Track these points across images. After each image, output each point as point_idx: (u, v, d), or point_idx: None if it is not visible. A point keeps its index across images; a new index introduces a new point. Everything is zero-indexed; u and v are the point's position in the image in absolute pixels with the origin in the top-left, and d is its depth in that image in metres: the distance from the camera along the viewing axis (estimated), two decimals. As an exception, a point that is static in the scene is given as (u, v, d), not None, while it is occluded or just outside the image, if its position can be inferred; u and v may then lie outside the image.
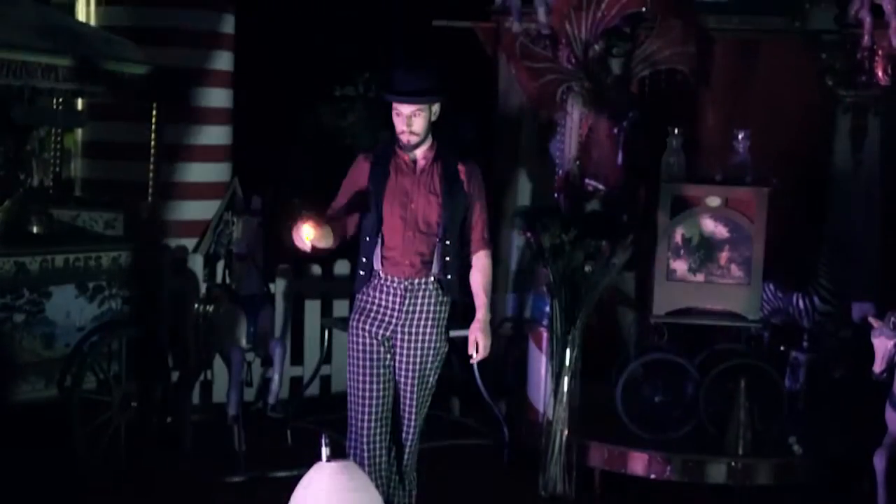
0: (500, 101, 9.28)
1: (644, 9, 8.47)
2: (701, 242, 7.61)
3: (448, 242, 5.85)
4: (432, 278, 5.85)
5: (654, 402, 7.61)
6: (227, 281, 7.53)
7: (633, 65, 8.42)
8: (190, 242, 8.41)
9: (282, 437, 7.96)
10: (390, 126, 7.90)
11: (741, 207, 7.55)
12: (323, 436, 5.37)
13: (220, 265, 8.04)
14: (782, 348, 8.26)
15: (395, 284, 5.82)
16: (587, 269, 7.15)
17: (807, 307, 8.12)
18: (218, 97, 9.06)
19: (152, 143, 7.81)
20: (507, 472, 7.77)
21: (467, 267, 5.99)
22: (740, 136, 7.72)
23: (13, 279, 6.84)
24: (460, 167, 5.90)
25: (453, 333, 6.16)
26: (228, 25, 9.29)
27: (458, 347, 8.17)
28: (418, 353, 5.88)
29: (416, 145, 5.82)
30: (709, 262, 7.60)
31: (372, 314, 5.86)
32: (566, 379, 7.24)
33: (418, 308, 5.85)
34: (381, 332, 5.84)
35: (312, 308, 8.91)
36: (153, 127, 7.82)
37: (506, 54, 8.55)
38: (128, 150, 8.33)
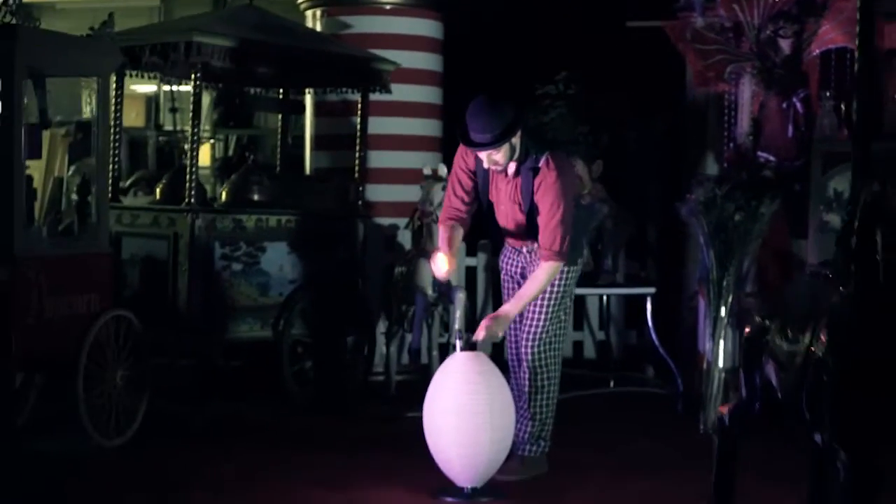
0: (688, 92, 9.97)
1: (816, -5, 9.06)
2: (852, 195, 8.06)
3: None
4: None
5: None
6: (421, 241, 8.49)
7: (803, 45, 8.99)
8: (401, 221, 9.41)
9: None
10: (588, 121, 8.71)
11: (890, 161, 7.98)
12: (458, 331, 6.28)
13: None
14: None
15: (517, 247, 6.59)
16: (737, 218, 7.77)
17: None
18: (428, 94, 10.12)
19: (358, 132, 8.98)
20: (677, 417, 8.37)
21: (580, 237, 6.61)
22: (895, 97, 8.18)
23: (231, 233, 8.00)
24: (537, 179, 6.24)
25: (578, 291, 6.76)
26: (437, 31, 10.35)
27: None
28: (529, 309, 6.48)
29: (504, 168, 6.30)
30: (860, 214, 8.03)
31: (508, 254, 6.67)
32: (723, 321, 7.84)
33: (535, 259, 6.43)
34: (513, 268, 6.62)
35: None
36: (359, 117, 8.99)
37: (676, 38, 9.22)
38: (348, 141, 9.39)
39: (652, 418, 8.32)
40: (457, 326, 8.30)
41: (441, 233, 6.54)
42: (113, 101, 8.16)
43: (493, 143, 6.12)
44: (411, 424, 6.68)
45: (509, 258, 6.69)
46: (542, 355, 6.50)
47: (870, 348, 3.88)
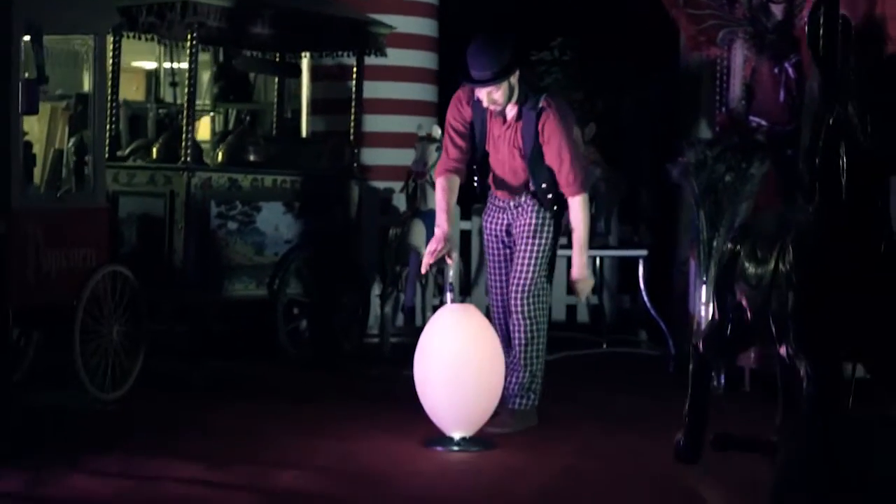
0: (682, 58, 10.04)
1: (809, -39, 9.13)
2: (841, 156, 8.13)
3: (544, 186, 6.54)
4: (532, 197, 6.58)
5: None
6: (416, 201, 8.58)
7: (795, 10, 9.06)
8: (397, 185, 9.49)
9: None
10: (583, 88, 8.77)
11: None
12: (450, 284, 6.37)
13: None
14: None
15: (503, 202, 6.69)
16: (727, 179, 7.86)
17: None
18: (423, 59, 10.22)
19: (353, 95, 9.07)
20: (669, 377, 8.46)
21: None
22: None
23: (227, 192, 8.10)
24: (540, 119, 6.43)
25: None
26: (432, -4, 10.46)
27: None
28: (523, 241, 6.60)
29: (503, 109, 6.47)
30: (849, 174, 8.11)
31: (492, 213, 6.77)
32: (712, 280, 7.93)
33: (522, 207, 6.62)
34: (498, 227, 6.72)
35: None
36: (355, 80, 9.07)
37: (669, 4, 9.27)
38: (345, 105, 9.44)
39: (643, 378, 8.43)
40: (450, 280, 8.39)
41: (439, 185, 6.62)
42: (111, 71, 8.23)
43: (494, 80, 6.28)
44: (404, 382, 6.76)
45: (493, 217, 6.77)
46: (533, 306, 6.59)
47: (832, 262, 3.97)
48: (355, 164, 8.97)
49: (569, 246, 7.28)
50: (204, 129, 11.04)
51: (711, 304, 4.88)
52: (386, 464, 5.89)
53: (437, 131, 8.35)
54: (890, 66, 4.00)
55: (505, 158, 6.56)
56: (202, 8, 7.78)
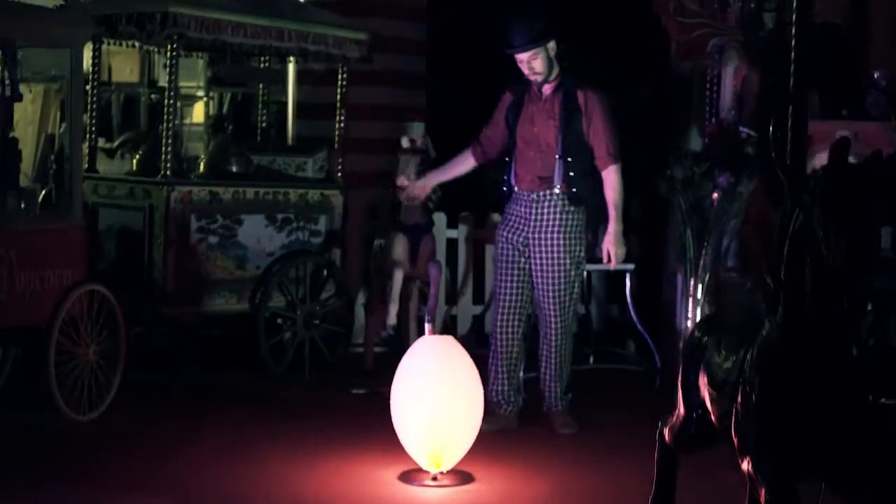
0: (673, 62, 9.89)
1: (800, -33, 8.96)
2: (833, 174, 8.00)
3: (570, 160, 6.86)
4: (556, 190, 6.87)
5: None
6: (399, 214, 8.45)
7: (786, 18, 8.91)
8: (385, 191, 9.34)
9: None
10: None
11: (870, 140, 7.92)
12: (427, 314, 6.27)
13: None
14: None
15: (524, 197, 6.93)
16: (714, 196, 7.76)
17: None
18: (412, 63, 10.07)
19: (338, 101, 8.92)
20: (655, 394, 8.35)
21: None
22: (876, 76, 8.13)
23: (208, 205, 7.96)
24: (579, 94, 6.92)
25: (590, 267, 7.62)
26: (421, -1, 10.29)
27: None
28: (547, 257, 6.87)
29: (544, 81, 6.91)
30: (843, 192, 7.98)
31: (510, 223, 6.98)
32: (700, 302, 7.84)
33: (545, 216, 6.90)
34: (515, 237, 6.96)
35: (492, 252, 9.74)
36: (339, 87, 8.92)
37: (659, 10, 9.13)
38: (332, 109, 9.28)
39: (629, 395, 8.31)
40: (431, 302, 8.27)
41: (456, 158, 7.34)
42: (93, 81, 8.08)
43: (531, 44, 6.79)
44: (385, 400, 6.66)
45: (511, 227, 6.98)
46: (569, 315, 7.05)
47: (796, 384, 3.77)
48: (340, 174, 8.83)
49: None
50: (198, 113, 10.93)
51: (678, 397, 4.68)
52: (358, 499, 5.80)
53: (420, 140, 8.27)
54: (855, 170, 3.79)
55: (539, 131, 6.90)
56: (182, 19, 7.62)
